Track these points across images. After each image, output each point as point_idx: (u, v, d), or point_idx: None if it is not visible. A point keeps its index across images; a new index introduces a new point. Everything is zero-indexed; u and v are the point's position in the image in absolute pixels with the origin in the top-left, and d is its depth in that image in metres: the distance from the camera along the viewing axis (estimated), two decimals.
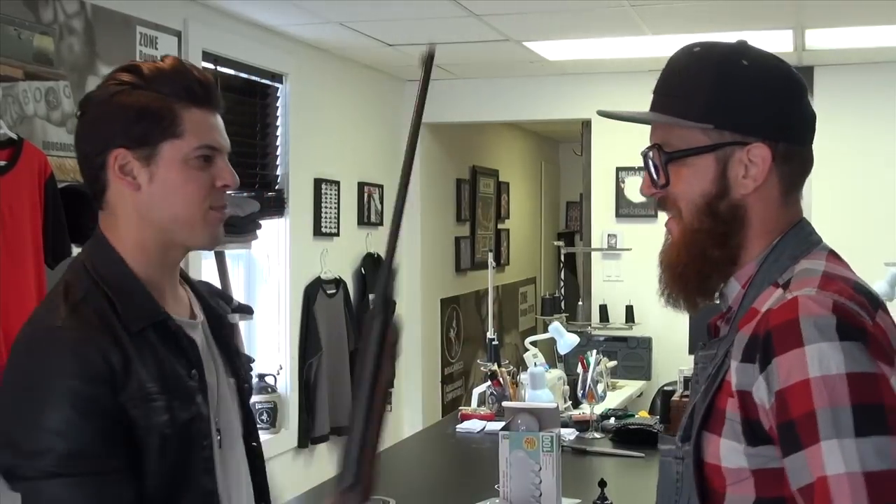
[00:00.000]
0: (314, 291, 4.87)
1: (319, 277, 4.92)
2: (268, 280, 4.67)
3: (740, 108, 1.23)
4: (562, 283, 6.70)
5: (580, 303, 5.99)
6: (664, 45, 4.70)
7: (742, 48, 1.26)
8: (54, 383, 1.29)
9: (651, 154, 1.28)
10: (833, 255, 1.25)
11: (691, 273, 1.26)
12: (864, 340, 1.08)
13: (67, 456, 1.27)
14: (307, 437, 4.78)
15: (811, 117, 1.28)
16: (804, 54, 5.08)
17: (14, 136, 2.78)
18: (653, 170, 1.28)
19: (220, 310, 1.61)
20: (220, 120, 1.47)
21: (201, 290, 1.60)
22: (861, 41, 4.78)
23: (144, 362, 1.35)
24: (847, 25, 4.49)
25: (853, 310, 1.11)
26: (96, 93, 1.45)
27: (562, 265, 6.73)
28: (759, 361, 1.12)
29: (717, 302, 1.31)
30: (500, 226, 7.80)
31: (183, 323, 1.47)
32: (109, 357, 1.32)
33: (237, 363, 1.59)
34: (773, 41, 4.80)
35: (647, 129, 1.31)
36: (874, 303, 1.16)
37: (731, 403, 1.16)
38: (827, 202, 5.35)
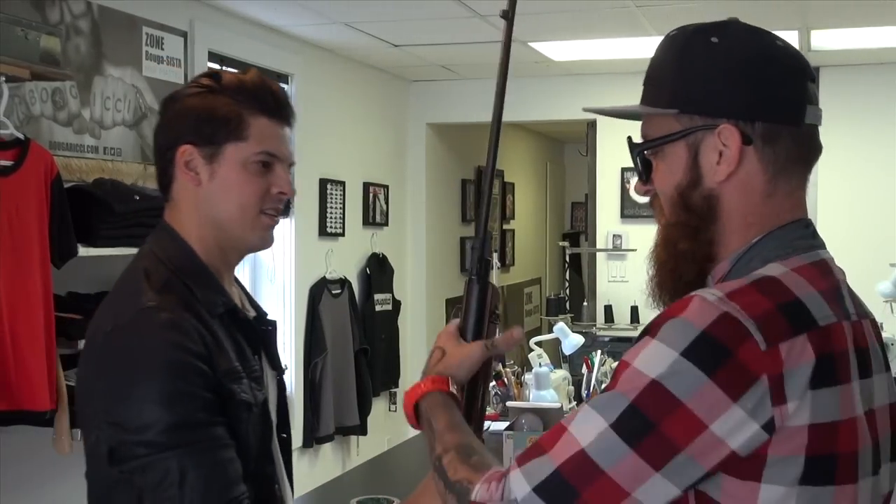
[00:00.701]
0: (319, 291, 4.87)
1: (324, 277, 4.93)
2: (273, 280, 4.68)
3: (702, 89, 1.13)
4: (567, 284, 6.69)
5: (585, 303, 5.99)
6: None
7: (719, 25, 1.17)
8: (157, 358, 1.34)
9: (629, 147, 1.23)
10: (813, 268, 1.12)
11: (666, 272, 1.19)
12: (709, 368, 1.00)
13: (175, 427, 1.31)
14: (312, 437, 4.79)
15: (801, 94, 1.14)
16: (810, 55, 5.08)
17: (21, 136, 2.79)
18: (634, 164, 1.23)
19: (263, 310, 1.68)
20: (287, 132, 1.55)
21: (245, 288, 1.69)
22: (867, 42, 4.77)
23: (228, 343, 1.44)
24: (853, 26, 4.49)
25: (741, 329, 1.01)
26: (177, 92, 1.54)
27: (567, 266, 6.73)
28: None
29: None
30: (505, 226, 7.80)
31: (247, 314, 1.56)
32: (202, 334, 1.38)
33: (277, 358, 1.66)
34: None
35: None
36: (800, 328, 1.03)
37: None
38: (832, 203, 5.34)
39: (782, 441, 1.01)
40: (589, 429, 1.04)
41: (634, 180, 1.28)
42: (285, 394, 1.68)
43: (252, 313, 1.61)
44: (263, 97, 1.50)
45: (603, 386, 3.61)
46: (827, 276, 1.13)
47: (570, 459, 1.03)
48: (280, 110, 1.52)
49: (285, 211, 1.60)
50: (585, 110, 1.34)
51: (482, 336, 1.31)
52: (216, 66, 4.03)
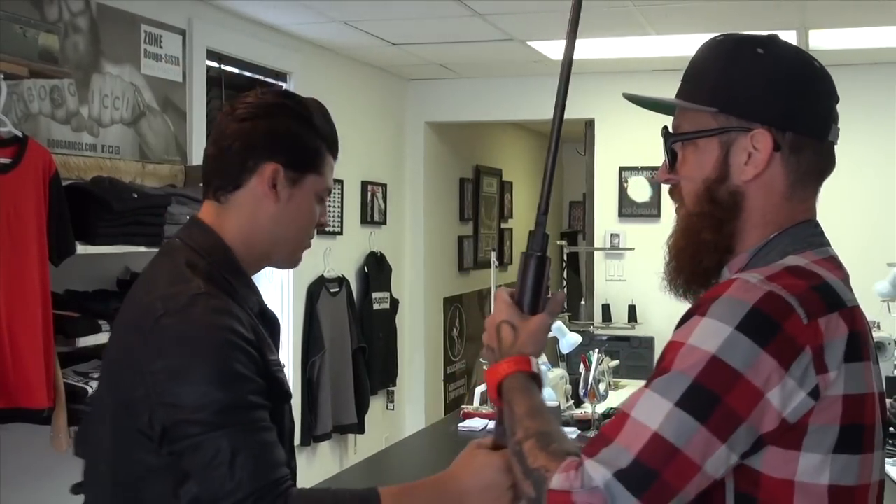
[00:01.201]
0: (317, 290, 4.87)
1: (323, 276, 4.93)
2: (271, 278, 4.68)
3: (746, 93, 1.22)
4: (565, 283, 6.70)
5: (583, 302, 5.99)
6: (668, 45, 4.70)
7: (763, 39, 1.25)
8: (213, 340, 1.38)
9: (663, 136, 1.29)
10: (828, 262, 1.22)
11: (686, 258, 1.26)
12: (764, 339, 1.07)
13: (228, 407, 1.35)
14: (310, 436, 4.78)
15: (829, 112, 1.25)
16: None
17: (19, 133, 2.78)
18: (664, 152, 1.29)
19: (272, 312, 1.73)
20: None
21: None
22: (865, 42, 4.78)
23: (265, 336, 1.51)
24: (851, 26, 4.49)
25: (785, 304, 1.10)
26: (264, 104, 1.57)
27: (565, 265, 6.73)
28: (678, 322, 1.16)
29: None
30: (503, 225, 7.80)
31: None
32: (251, 323, 1.46)
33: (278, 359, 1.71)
34: None
35: (652, 128, 1.32)
36: (832, 305, 1.13)
37: None
38: (829, 202, 5.33)
39: (822, 410, 1.10)
40: (655, 411, 1.08)
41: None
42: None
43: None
44: (333, 137, 1.63)
45: (604, 385, 3.62)
46: (840, 269, 1.23)
47: (645, 444, 1.06)
48: (337, 150, 1.65)
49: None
50: (626, 96, 1.38)
51: (540, 307, 1.34)
52: (215, 65, 4.03)
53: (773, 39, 1.25)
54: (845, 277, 1.22)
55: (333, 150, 1.64)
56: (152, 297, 1.44)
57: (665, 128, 1.30)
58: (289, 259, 1.66)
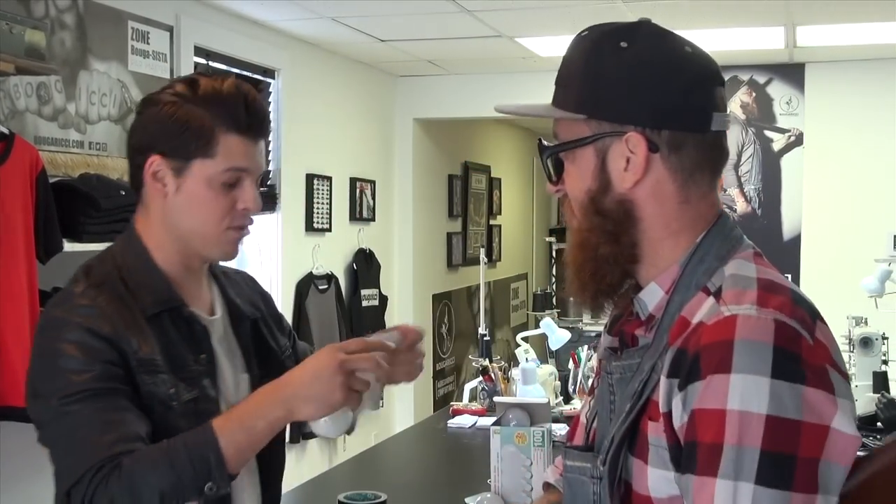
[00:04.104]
0: (306, 287, 4.87)
1: (311, 273, 4.92)
2: (259, 275, 4.67)
3: (611, 95, 1.13)
4: (553, 279, 6.71)
5: (571, 299, 5.99)
6: None
7: (629, 28, 1.17)
8: (65, 336, 1.43)
9: (539, 150, 1.22)
10: (759, 256, 1.16)
11: (587, 274, 1.18)
12: (799, 377, 1.00)
13: (80, 385, 1.40)
14: (298, 433, 4.78)
15: (707, 101, 1.14)
16: (795, 51, 5.10)
17: (5, 130, 2.77)
18: (543, 165, 1.22)
19: (244, 308, 1.69)
20: (260, 146, 1.56)
21: (229, 288, 1.70)
22: (852, 38, 4.79)
23: (156, 341, 1.48)
24: (838, 22, 4.50)
25: (794, 331, 1.03)
26: (154, 96, 1.53)
27: (553, 261, 6.75)
28: (682, 377, 1.06)
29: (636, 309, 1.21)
30: (491, 221, 7.80)
31: (199, 314, 1.58)
32: (116, 323, 1.45)
33: (252, 360, 1.66)
34: (765, 38, 4.82)
35: None
36: (812, 314, 1.08)
37: (654, 428, 1.10)
38: (817, 199, 5.37)
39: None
40: (741, 499, 0.99)
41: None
42: None
43: (219, 313, 1.63)
44: (237, 112, 1.50)
45: (593, 381, 3.61)
46: (769, 263, 1.17)
47: None
48: (253, 126, 1.52)
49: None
50: (497, 109, 1.30)
51: None
52: (202, 62, 4.02)
53: (639, 28, 1.17)
54: (775, 269, 1.17)
55: (238, 126, 1.50)
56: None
57: (539, 140, 1.23)
58: (210, 254, 1.58)
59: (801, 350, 1.02)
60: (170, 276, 1.55)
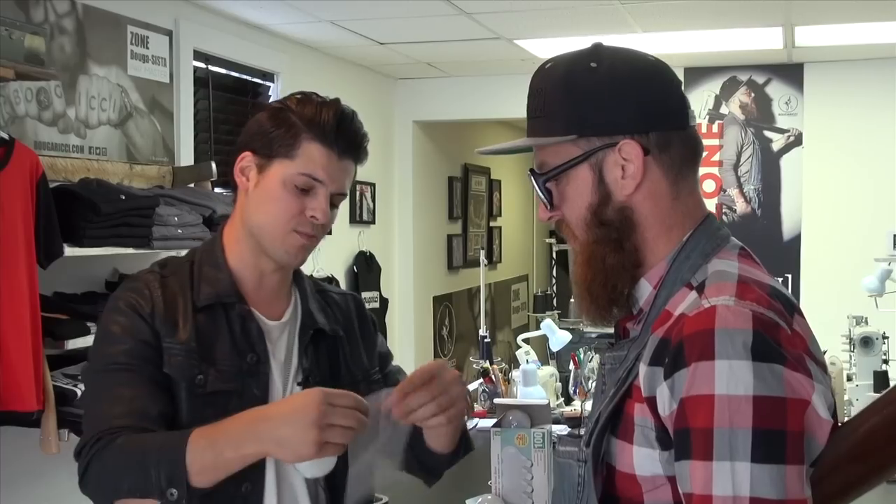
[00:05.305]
0: None
1: (312, 276, 4.91)
2: None
3: (597, 111, 1.20)
4: (554, 281, 6.71)
5: (572, 300, 5.99)
6: (654, 43, 4.71)
7: (590, 52, 1.24)
8: (113, 312, 1.57)
9: (532, 180, 1.27)
10: (744, 254, 1.22)
11: (598, 288, 1.22)
12: (779, 359, 1.06)
13: (111, 358, 1.53)
14: None
15: (681, 99, 1.24)
16: (794, 51, 5.10)
17: (6, 136, 2.77)
18: (539, 194, 1.27)
19: (321, 322, 1.71)
20: (345, 165, 1.63)
21: (311, 301, 1.75)
22: (850, 38, 4.79)
23: (199, 330, 1.57)
24: (836, 22, 4.51)
25: (771, 321, 1.08)
26: (265, 103, 1.63)
27: (554, 262, 6.75)
28: (666, 367, 1.10)
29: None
30: (492, 223, 7.80)
31: (258, 315, 1.63)
32: (157, 306, 1.56)
33: (314, 373, 1.66)
34: (763, 38, 4.82)
35: None
36: (790, 307, 1.13)
37: (640, 409, 1.14)
38: (817, 198, 5.37)
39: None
40: (738, 477, 1.03)
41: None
42: None
43: (286, 319, 1.67)
44: (326, 124, 1.58)
45: (593, 382, 3.62)
46: (754, 258, 1.23)
47: None
48: (339, 142, 1.60)
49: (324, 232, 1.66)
50: (479, 153, 1.37)
51: None
52: (202, 66, 4.02)
53: (599, 50, 1.24)
54: (761, 267, 1.22)
55: (324, 140, 1.58)
56: None
57: (531, 170, 1.27)
58: (275, 253, 1.62)
59: (780, 337, 1.08)
60: (237, 275, 1.63)
